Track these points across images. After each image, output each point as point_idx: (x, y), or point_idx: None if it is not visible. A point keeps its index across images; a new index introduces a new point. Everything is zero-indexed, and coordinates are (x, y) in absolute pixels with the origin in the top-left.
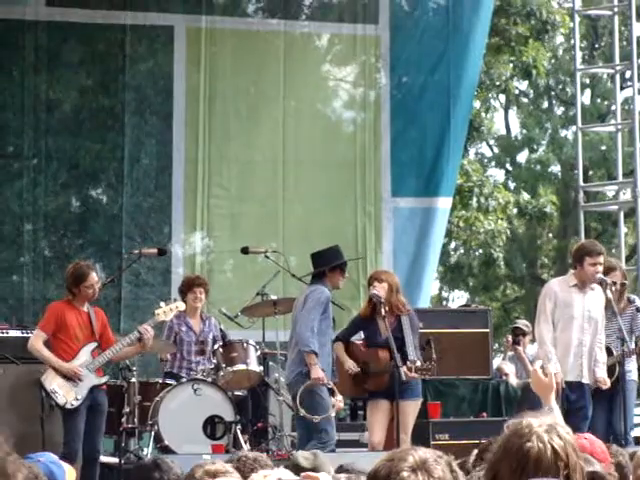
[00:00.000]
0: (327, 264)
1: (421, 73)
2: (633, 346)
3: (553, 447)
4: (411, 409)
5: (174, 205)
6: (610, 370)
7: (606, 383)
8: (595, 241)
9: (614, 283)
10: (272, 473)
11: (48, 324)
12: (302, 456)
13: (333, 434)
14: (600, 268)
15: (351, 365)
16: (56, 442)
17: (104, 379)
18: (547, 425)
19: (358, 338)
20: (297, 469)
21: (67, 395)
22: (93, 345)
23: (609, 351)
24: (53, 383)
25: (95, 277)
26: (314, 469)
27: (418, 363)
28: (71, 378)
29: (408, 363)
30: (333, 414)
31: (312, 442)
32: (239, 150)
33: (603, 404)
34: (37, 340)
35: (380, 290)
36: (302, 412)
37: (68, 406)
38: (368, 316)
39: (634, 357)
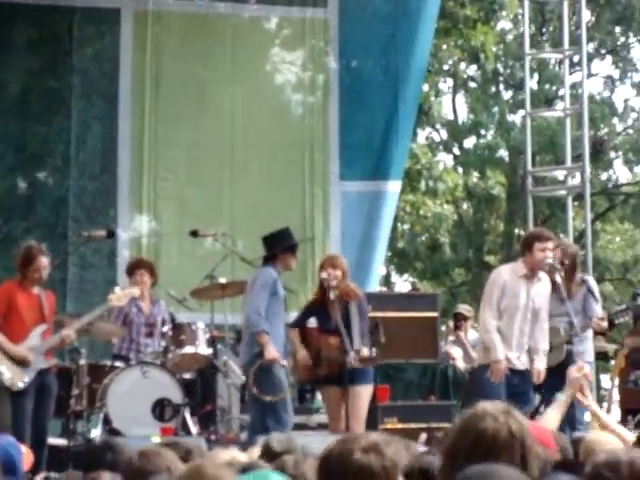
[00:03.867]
0: (278, 247)
1: (370, 57)
2: (588, 321)
3: (509, 427)
4: (361, 394)
5: (120, 188)
6: (559, 350)
7: (540, 378)
8: (543, 228)
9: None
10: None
11: None
12: (276, 439)
13: (290, 416)
14: (550, 254)
15: (304, 358)
16: (5, 424)
17: (52, 362)
18: (502, 408)
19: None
20: (270, 453)
21: (14, 377)
22: (43, 327)
23: (558, 331)
24: (1, 365)
25: (44, 261)
26: (287, 452)
27: (365, 351)
28: (19, 360)
29: (352, 354)
30: (289, 395)
31: (269, 424)
32: (186, 133)
33: (555, 386)
34: None
35: (333, 277)
36: (254, 390)
37: (15, 388)
38: (319, 301)
39: (590, 338)
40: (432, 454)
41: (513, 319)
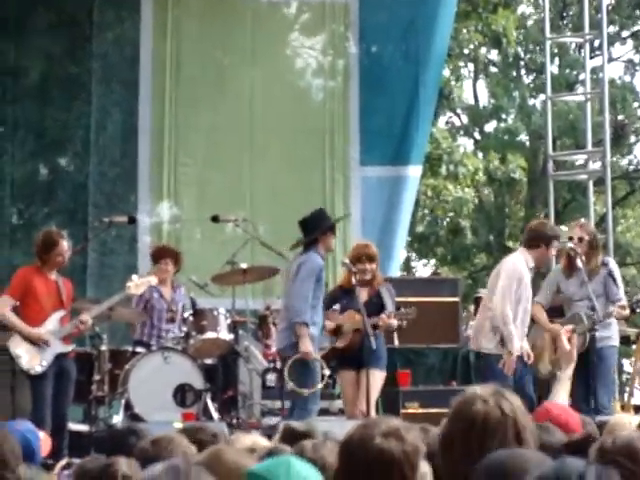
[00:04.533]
0: (318, 230)
1: (390, 41)
2: (611, 309)
3: (500, 407)
4: (375, 378)
5: (140, 173)
6: (582, 337)
7: (530, 358)
8: (553, 224)
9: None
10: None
11: (15, 290)
12: (296, 422)
13: (316, 406)
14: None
15: (327, 325)
16: (26, 410)
17: (70, 347)
18: (492, 390)
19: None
20: (290, 436)
21: (32, 361)
22: (61, 313)
23: (580, 318)
24: (19, 348)
25: (65, 245)
26: (307, 435)
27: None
28: (37, 344)
29: (386, 312)
30: (320, 386)
31: (295, 410)
32: (206, 118)
33: (582, 373)
34: (3, 306)
35: (369, 270)
36: (290, 385)
37: (32, 372)
38: (345, 286)
39: (614, 322)
40: None
41: (519, 309)
